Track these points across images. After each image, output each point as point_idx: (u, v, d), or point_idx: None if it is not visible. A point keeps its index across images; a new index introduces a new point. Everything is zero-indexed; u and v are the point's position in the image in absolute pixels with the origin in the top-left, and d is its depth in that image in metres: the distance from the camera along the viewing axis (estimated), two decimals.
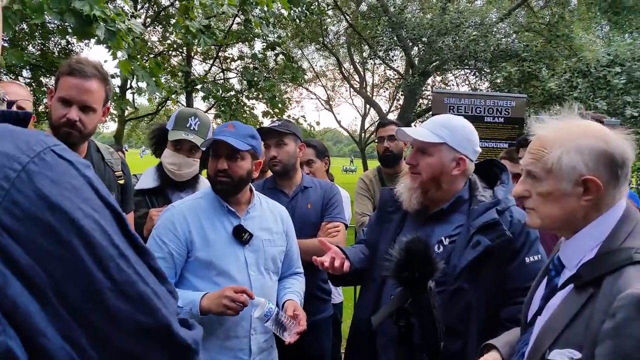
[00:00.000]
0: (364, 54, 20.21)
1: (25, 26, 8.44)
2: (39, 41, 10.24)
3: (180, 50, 12.18)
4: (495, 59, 12.61)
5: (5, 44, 6.60)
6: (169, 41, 11.97)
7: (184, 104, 11.75)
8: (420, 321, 1.50)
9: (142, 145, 32.85)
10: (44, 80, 9.83)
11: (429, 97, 14.80)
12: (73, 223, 0.59)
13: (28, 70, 9.43)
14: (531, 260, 1.71)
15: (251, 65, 10.90)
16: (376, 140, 3.53)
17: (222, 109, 9.65)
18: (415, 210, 1.86)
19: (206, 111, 11.35)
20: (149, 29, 12.43)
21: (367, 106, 23.95)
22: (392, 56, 16.73)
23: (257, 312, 1.82)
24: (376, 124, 8.74)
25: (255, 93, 10.39)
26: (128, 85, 10.96)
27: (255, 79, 9.58)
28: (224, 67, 13.36)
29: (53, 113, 1.86)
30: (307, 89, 24.53)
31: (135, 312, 0.64)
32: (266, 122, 9.51)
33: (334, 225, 2.56)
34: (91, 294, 0.60)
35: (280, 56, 10.30)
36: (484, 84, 14.78)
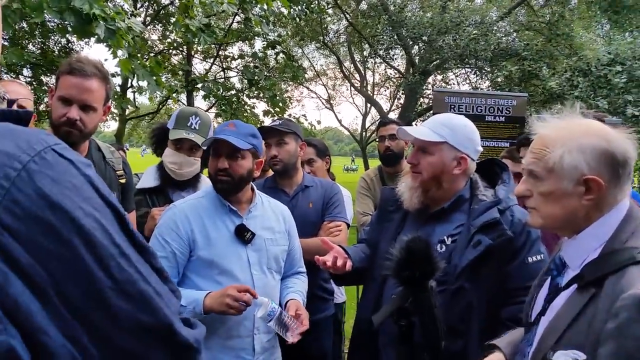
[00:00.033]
0: (365, 53, 20.19)
1: (25, 25, 8.44)
2: (39, 40, 10.25)
3: (181, 49, 12.17)
4: (495, 57, 12.61)
5: (6, 43, 6.60)
6: (169, 40, 11.99)
7: (185, 102, 11.77)
8: (421, 320, 1.50)
9: (143, 144, 32.81)
10: (44, 79, 9.84)
11: (429, 96, 14.80)
12: (73, 222, 0.59)
13: (28, 69, 9.44)
14: (533, 260, 1.70)
15: (252, 64, 10.92)
16: (377, 140, 3.53)
17: (223, 108, 9.65)
18: (416, 209, 1.86)
19: (207, 110, 11.33)
20: (148, 27, 12.45)
21: (368, 105, 23.97)
22: (393, 55, 16.73)
23: (260, 311, 1.81)
24: (377, 123, 8.74)
25: (255, 92, 10.40)
26: (129, 84, 10.98)
27: (256, 77, 9.60)
28: (224, 66, 13.34)
29: (53, 112, 1.86)
30: (307, 88, 24.55)
31: (136, 311, 0.64)
32: (267, 121, 9.55)
33: (335, 224, 2.55)
34: (92, 293, 0.60)
35: (281, 55, 10.32)
36: (484, 83, 14.78)
